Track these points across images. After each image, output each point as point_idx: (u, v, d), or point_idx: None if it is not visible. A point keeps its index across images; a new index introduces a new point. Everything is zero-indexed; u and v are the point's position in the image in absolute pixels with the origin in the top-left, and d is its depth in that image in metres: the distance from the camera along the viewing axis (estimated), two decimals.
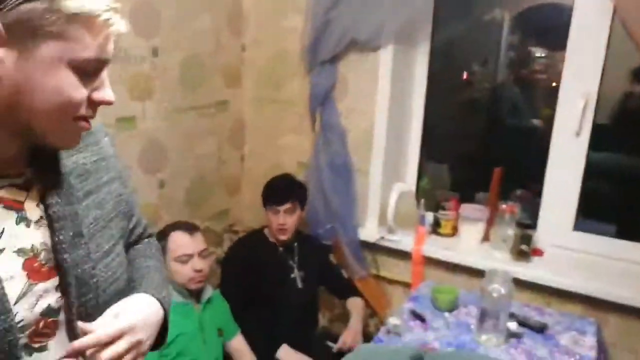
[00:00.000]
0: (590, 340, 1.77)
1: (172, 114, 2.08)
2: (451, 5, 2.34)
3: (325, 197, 2.26)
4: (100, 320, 0.74)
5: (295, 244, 2.18)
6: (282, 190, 2.11)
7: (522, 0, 2.63)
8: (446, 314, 1.86)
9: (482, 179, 2.26)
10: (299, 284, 2.13)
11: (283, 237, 2.10)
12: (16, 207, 0.71)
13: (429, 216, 2.27)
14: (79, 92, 0.66)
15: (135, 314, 0.77)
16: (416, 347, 1.00)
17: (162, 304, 0.85)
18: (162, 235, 1.75)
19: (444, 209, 2.23)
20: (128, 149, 1.90)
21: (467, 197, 2.28)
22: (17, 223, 0.70)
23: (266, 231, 2.20)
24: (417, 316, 1.82)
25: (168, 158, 2.10)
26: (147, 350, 0.80)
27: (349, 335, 2.04)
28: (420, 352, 1.00)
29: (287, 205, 2.07)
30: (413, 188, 2.36)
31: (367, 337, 2.12)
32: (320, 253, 2.26)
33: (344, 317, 2.19)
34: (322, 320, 2.23)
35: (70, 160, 0.78)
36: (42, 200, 0.73)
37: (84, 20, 0.64)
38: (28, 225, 0.71)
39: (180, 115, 2.12)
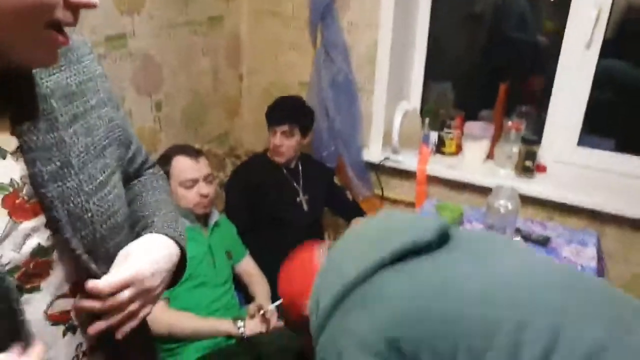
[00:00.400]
0: (591, 251, 1.81)
1: (164, 29, 1.95)
2: None
3: (328, 118, 2.20)
4: (112, 272, 0.70)
5: (300, 167, 2.15)
6: (282, 110, 2.05)
7: None
8: None
9: (487, 96, 2.21)
10: (305, 207, 2.12)
11: (278, 159, 2.07)
12: None
13: (433, 135, 2.24)
14: None
15: (145, 260, 0.73)
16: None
17: (177, 242, 0.79)
18: (165, 160, 1.71)
19: (448, 127, 2.19)
20: (119, 70, 1.80)
21: (471, 115, 2.24)
22: None
23: (269, 153, 2.16)
24: None
25: (163, 79, 2.01)
26: (159, 297, 0.76)
27: None
28: (446, 224, 0.94)
29: (284, 127, 2.02)
30: (417, 107, 2.31)
31: None
32: (325, 175, 2.24)
33: None
34: (328, 240, 2.25)
35: (50, 81, 0.67)
36: (18, 128, 0.62)
37: None
38: (4, 157, 0.62)
39: (173, 31, 2.00)
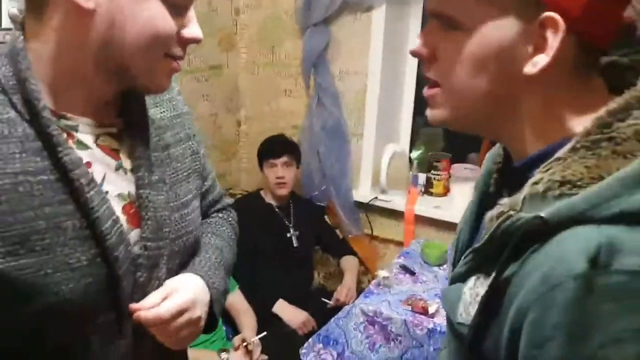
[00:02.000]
0: None
1: None
2: None
3: (319, 159, 2.27)
4: (151, 296, 0.71)
5: (291, 205, 2.20)
6: (278, 144, 2.15)
7: None
8: (435, 268, 1.88)
9: (475, 139, 2.25)
10: (295, 243, 2.15)
11: (282, 192, 2.12)
12: (114, 155, 0.72)
13: (422, 177, 2.28)
14: (169, 25, 0.65)
15: (190, 291, 0.75)
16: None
17: (208, 287, 0.79)
18: None
19: (436, 169, 2.23)
20: None
21: (459, 158, 2.28)
22: (116, 169, 0.71)
23: (262, 192, 2.21)
24: (407, 270, 1.84)
25: None
26: (202, 328, 0.78)
27: (343, 291, 2.08)
28: None
29: (285, 159, 2.11)
30: (406, 149, 2.36)
31: (361, 293, 2.16)
32: (315, 214, 2.28)
33: (339, 275, 2.23)
34: (317, 278, 2.26)
35: (149, 112, 0.77)
36: (133, 149, 0.73)
37: None
38: (125, 173, 0.72)
39: (175, 78, 2.11)
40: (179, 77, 2.13)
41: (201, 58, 2.25)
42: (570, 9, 0.51)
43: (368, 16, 2.13)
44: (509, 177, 0.64)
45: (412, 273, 1.82)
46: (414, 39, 2.28)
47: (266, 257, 2.08)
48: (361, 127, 2.25)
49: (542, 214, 0.47)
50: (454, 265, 0.70)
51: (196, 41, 0.70)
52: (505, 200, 0.57)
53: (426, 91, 0.60)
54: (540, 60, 0.52)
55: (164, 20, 0.64)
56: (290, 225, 2.18)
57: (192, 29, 0.68)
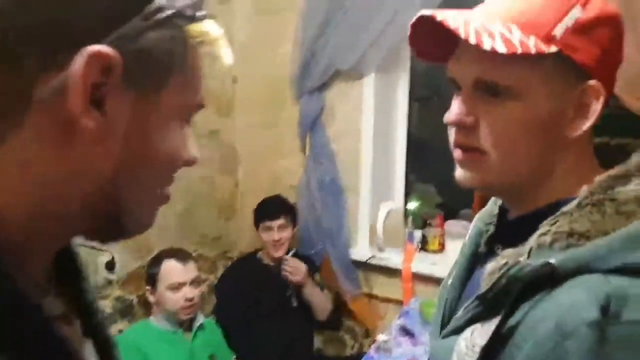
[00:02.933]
0: None
1: None
2: None
3: (315, 218, 2.28)
4: None
5: None
6: (274, 206, 2.16)
7: None
8: None
9: (468, 194, 2.28)
10: (294, 302, 2.13)
11: (278, 253, 2.12)
12: None
13: (418, 233, 2.28)
14: (186, 152, 0.47)
15: None
16: None
17: None
18: (156, 262, 1.77)
19: (430, 225, 2.24)
20: None
21: (452, 214, 2.30)
22: None
23: (259, 254, 2.21)
24: (407, 331, 1.82)
25: None
26: None
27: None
28: None
29: (281, 221, 2.11)
30: (401, 206, 2.38)
31: (361, 357, 2.11)
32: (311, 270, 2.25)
33: (339, 340, 2.20)
34: (317, 342, 2.22)
35: None
36: None
37: (200, 52, 0.46)
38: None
39: None
40: None
41: (199, 124, 2.31)
42: (611, 78, 0.58)
43: (360, 83, 2.21)
44: (504, 232, 0.66)
45: (412, 335, 1.80)
46: (402, 102, 2.35)
47: (265, 319, 2.05)
48: (357, 185, 2.28)
49: (552, 261, 0.50)
50: (443, 322, 0.70)
51: (192, 164, 0.52)
52: (508, 252, 0.58)
53: (462, 155, 0.62)
54: (583, 125, 0.57)
55: (184, 147, 0.47)
56: (289, 284, 2.16)
57: (193, 150, 0.49)
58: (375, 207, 2.27)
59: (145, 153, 0.43)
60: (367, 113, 2.22)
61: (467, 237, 0.75)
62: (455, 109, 0.61)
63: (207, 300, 2.11)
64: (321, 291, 2.19)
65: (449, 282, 0.75)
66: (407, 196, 2.42)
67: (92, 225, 0.44)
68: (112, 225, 0.46)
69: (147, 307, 1.84)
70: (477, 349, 0.55)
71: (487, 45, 0.54)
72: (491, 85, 0.58)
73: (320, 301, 2.14)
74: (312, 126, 2.28)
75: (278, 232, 2.11)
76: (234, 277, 2.14)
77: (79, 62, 0.36)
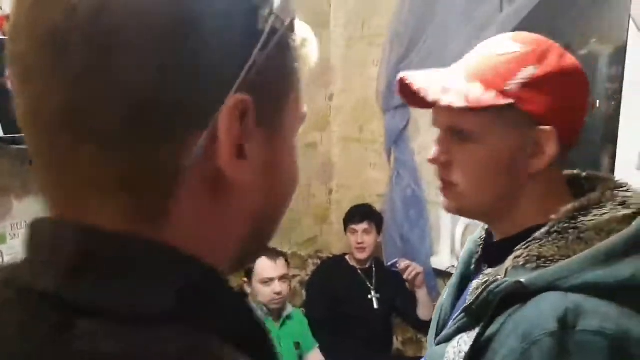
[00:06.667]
0: None
1: None
2: None
3: (398, 228, 2.37)
4: None
5: (373, 267, 2.30)
6: (360, 212, 2.29)
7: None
8: None
9: None
10: (375, 305, 2.24)
11: (361, 256, 2.24)
12: None
13: None
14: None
15: None
16: None
17: None
18: None
19: None
20: None
21: None
22: None
23: (348, 257, 2.35)
24: None
25: None
26: None
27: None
28: None
29: (365, 226, 2.23)
30: None
31: None
32: (396, 280, 2.32)
33: (418, 341, 2.26)
34: (396, 343, 2.30)
35: None
36: None
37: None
38: None
39: None
40: None
41: (298, 137, 2.53)
42: (568, 123, 0.65)
43: None
44: (488, 253, 0.75)
45: None
46: None
47: (347, 318, 2.18)
48: (439, 197, 2.32)
49: (522, 280, 0.59)
50: (437, 330, 0.79)
51: None
52: (489, 271, 0.68)
53: (441, 186, 0.72)
54: (540, 163, 0.65)
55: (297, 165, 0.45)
56: (372, 287, 2.27)
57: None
58: (457, 219, 2.29)
59: (282, 179, 0.42)
60: None
61: (460, 256, 0.82)
62: (434, 149, 0.71)
63: (299, 294, 2.32)
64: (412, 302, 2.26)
65: (444, 296, 0.83)
66: None
67: (241, 257, 0.41)
68: (256, 252, 0.45)
69: (245, 296, 2.09)
70: (462, 355, 0.64)
71: (444, 102, 0.64)
72: (458, 131, 0.67)
73: (428, 301, 2.22)
74: (397, 140, 2.38)
75: (362, 235, 2.23)
76: (322, 275, 2.32)
77: (222, 119, 0.33)
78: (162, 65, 0.31)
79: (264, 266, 1.97)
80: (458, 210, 0.72)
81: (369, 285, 2.27)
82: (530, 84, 0.63)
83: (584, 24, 2.10)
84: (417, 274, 2.14)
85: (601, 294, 0.56)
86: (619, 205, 0.62)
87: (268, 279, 1.95)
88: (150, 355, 0.30)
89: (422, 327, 2.29)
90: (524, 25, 2.07)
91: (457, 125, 0.67)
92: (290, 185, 0.43)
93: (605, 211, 0.62)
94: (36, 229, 0.34)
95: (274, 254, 2.02)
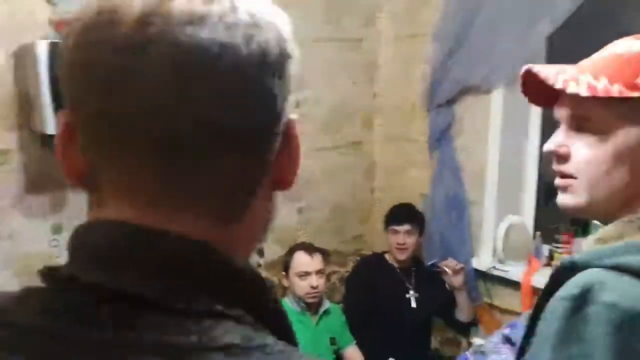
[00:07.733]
0: None
1: (314, 152, 2.39)
2: (568, 39, 2.22)
3: (439, 227, 2.34)
4: None
5: (413, 269, 2.29)
6: (402, 213, 2.27)
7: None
8: None
9: None
10: (413, 304, 2.23)
11: (401, 257, 2.23)
12: None
13: (544, 248, 2.18)
14: None
15: None
16: None
17: None
18: (289, 253, 2.06)
19: (558, 242, 2.11)
20: None
21: (586, 232, 2.12)
22: None
23: (387, 255, 2.34)
24: (509, 341, 1.78)
25: (310, 189, 2.42)
26: None
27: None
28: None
29: (406, 227, 2.20)
30: (527, 221, 2.28)
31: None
32: (436, 280, 2.27)
33: (456, 341, 2.22)
34: (434, 342, 2.28)
35: None
36: None
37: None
38: None
39: (321, 153, 2.44)
40: (322, 152, 2.45)
41: (343, 136, 2.55)
42: None
43: (487, 97, 2.20)
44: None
45: (513, 343, 1.76)
46: (535, 116, 2.24)
47: (384, 316, 2.18)
48: (481, 198, 2.27)
49: (575, 258, 0.64)
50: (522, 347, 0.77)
51: None
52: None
53: (560, 181, 0.72)
54: None
55: None
56: (411, 287, 2.25)
57: None
58: (500, 220, 2.23)
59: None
60: (495, 129, 2.19)
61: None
62: (552, 140, 0.72)
63: (338, 290, 2.34)
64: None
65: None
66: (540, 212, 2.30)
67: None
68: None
69: (284, 288, 2.14)
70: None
71: (571, 89, 0.65)
72: (584, 119, 0.68)
73: (468, 303, 2.20)
74: (440, 139, 2.35)
75: (403, 236, 2.21)
76: (361, 272, 2.32)
77: (292, 131, 0.41)
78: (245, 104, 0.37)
79: (301, 260, 2.02)
80: (576, 206, 0.71)
81: (408, 285, 2.26)
82: None
83: None
84: (461, 269, 2.13)
85: (632, 275, 0.59)
86: None
87: (304, 272, 1.99)
88: (221, 344, 0.34)
89: (461, 328, 2.26)
90: (576, 18, 1.98)
91: (583, 114, 0.68)
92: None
93: None
94: (103, 231, 0.37)
95: (311, 249, 2.05)
